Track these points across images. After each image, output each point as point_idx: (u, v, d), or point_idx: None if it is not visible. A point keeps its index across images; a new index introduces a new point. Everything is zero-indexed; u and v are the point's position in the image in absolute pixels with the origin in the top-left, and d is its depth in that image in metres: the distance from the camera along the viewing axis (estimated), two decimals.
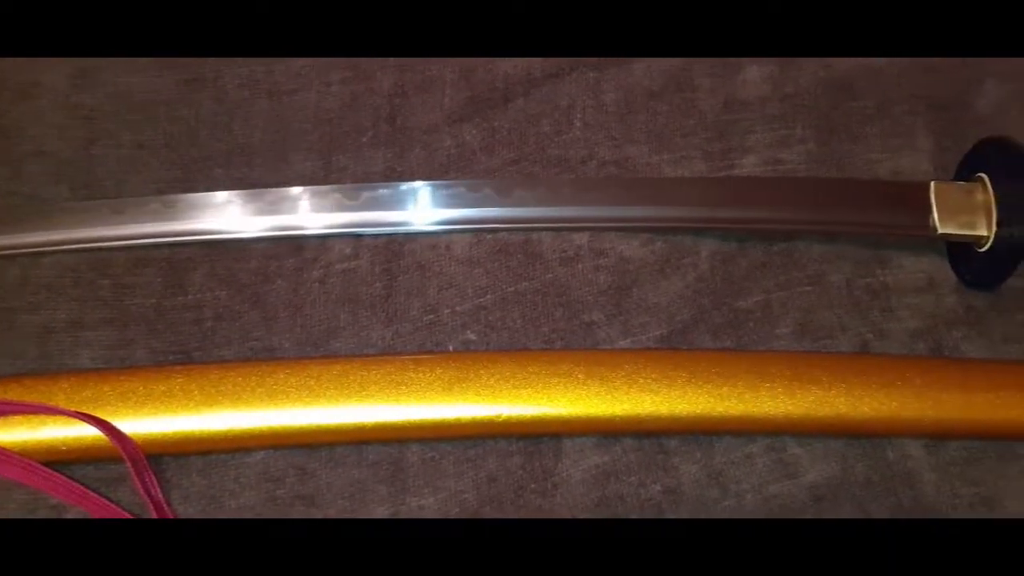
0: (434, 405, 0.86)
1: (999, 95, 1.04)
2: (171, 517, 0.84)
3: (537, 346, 0.92)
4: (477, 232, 0.97)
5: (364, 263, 0.96)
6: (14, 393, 0.85)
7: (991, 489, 0.87)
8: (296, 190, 0.97)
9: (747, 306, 0.94)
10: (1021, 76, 1.05)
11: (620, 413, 0.86)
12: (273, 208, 0.96)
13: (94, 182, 1.00)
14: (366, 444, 0.87)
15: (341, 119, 1.03)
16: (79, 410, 0.84)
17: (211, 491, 0.86)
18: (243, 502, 0.86)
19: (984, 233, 0.92)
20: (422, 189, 0.97)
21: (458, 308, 0.94)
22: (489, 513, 0.86)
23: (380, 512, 0.86)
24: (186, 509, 0.85)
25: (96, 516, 0.83)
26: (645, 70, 1.05)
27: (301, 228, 0.96)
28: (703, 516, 0.86)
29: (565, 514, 0.86)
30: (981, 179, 0.93)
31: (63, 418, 0.84)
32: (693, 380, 0.86)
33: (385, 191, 0.97)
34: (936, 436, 0.88)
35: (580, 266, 0.96)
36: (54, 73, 1.04)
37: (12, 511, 0.84)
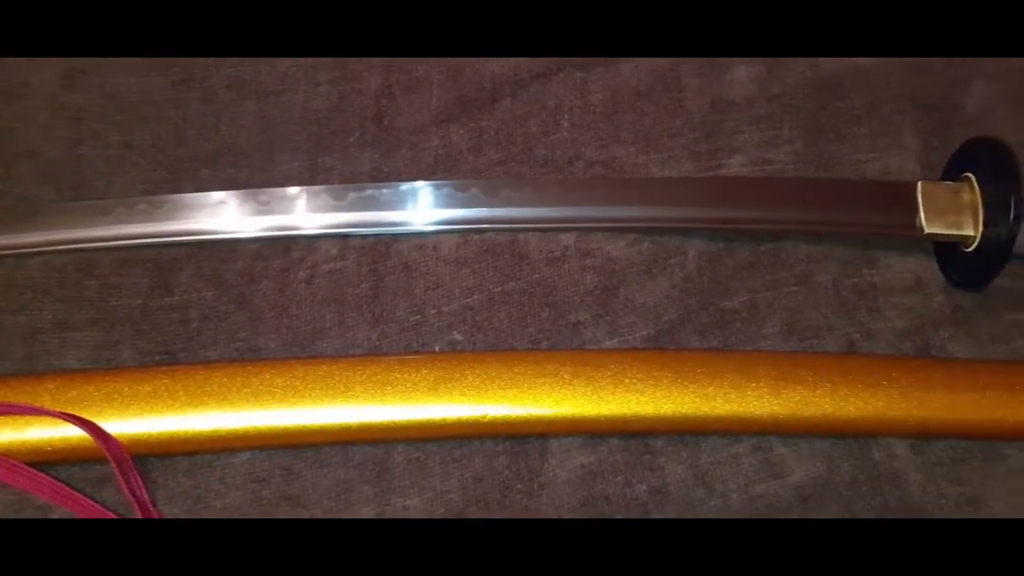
0: (420, 405, 0.85)
1: (987, 95, 1.04)
2: (156, 517, 0.84)
3: (524, 346, 0.92)
4: (464, 232, 0.97)
5: (351, 264, 0.95)
6: None
7: (977, 489, 0.87)
8: (284, 191, 0.97)
9: (734, 306, 0.94)
10: (1008, 76, 1.05)
11: (606, 413, 0.86)
12: (260, 209, 0.96)
13: (82, 183, 1.00)
14: (352, 445, 0.87)
15: (328, 119, 1.03)
16: (64, 411, 0.84)
17: (197, 491, 0.86)
18: (229, 502, 0.86)
19: (971, 233, 0.92)
20: (409, 190, 0.97)
21: (444, 308, 0.94)
22: (475, 513, 0.86)
23: (366, 512, 0.85)
24: (171, 509, 0.85)
25: (82, 517, 0.83)
26: (632, 70, 1.05)
27: (288, 228, 0.96)
28: (689, 516, 0.86)
29: (551, 514, 0.86)
30: (968, 179, 0.93)
31: (48, 419, 0.84)
32: (679, 380, 0.86)
33: (372, 191, 0.97)
34: (922, 436, 0.88)
35: (567, 266, 0.96)
36: (43, 73, 1.05)
37: None
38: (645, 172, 1.01)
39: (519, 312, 0.94)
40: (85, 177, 1.00)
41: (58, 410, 0.84)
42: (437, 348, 0.92)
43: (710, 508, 0.86)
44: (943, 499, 0.87)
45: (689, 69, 1.05)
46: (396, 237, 0.96)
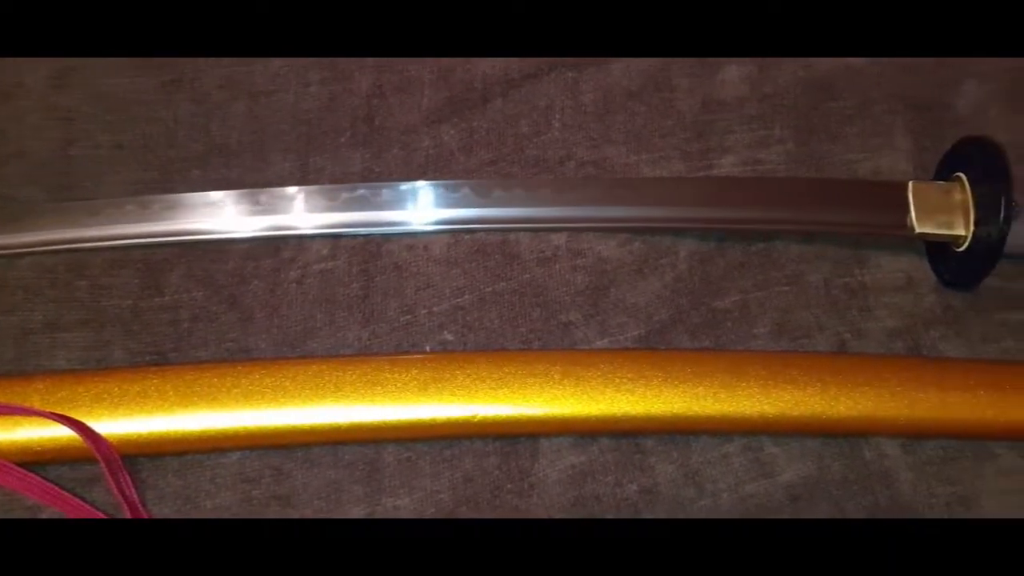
0: (410, 405, 0.85)
1: (978, 95, 1.04)
2: (146, 517, 0.83)
3: (514, 346, 0.92)
4: (455, 232, 0.97)
5: (341, 264, 0.95)
6: None
7: (968, 488, 0.87)
8: (275, 191, 0.97)
9: (725, 306, 0.94)
10: (1000, 76, 1.05)
11: (596, 413, 0.86)
12: (251, 209, 0.96)
13: (72, 183, 1.00)
14: (342, 444, 0.87)
15: (319, 120, 1.03)
16: (54, 411, 0.84)
17: (187, 491, 0.86)
18: (219, 502, 0.85)
19: (962, 233, 0.92)
20: (400, 190, 0.96)
21: (435, 308, 0.94)
22: (465, 513, 0.85)
23: (356, 512, 0.85)
24: (161, 509, 0.85)
25: (71, 517, 0.83)
26: (623, 70, 1.05)
27: (279, 229, 0.96)
28: (680, 516, 0.86)
29: (541, 514, 0.86)
30: (959, 179, 0.93)
31: (38, 419, 0.84)
32: (669, 380, 0.86)
33: (363, 192, 0.96)
34: (912, 435, 0.88)
35: (558, 266, 0.96)
36: (33, 73, 1.05)
37: None
38: (636, 172, 1.01)
39: (510, 312, 0.94)
40: (75, 177, 1.00)
41: (48, 410, 0.84)
42: (428, 348, 0.92)
43: (700, 508, 0.86)
44: (934, 498, 0.87)
45: (680, 69, 1.05)
46: (387, 237, 0.96)
